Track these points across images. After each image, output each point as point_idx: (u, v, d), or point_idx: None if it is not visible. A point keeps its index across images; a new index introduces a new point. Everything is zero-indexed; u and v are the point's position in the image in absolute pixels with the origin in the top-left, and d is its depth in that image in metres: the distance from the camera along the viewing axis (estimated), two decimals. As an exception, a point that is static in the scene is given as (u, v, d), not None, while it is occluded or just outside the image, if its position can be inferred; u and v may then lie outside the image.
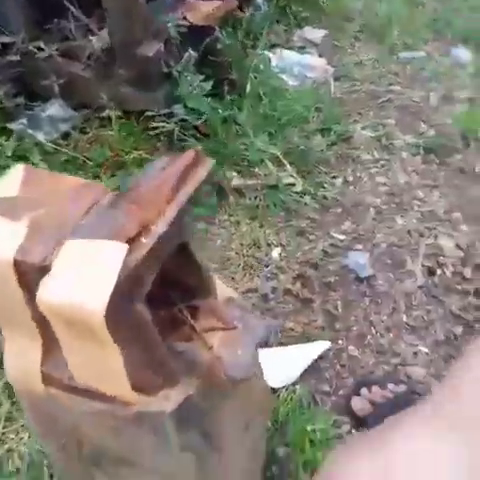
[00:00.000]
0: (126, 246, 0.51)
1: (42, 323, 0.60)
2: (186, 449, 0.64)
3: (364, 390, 1.23)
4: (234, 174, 1.72)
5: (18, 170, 0.64)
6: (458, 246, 1.56)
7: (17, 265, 0.54)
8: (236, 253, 1.54)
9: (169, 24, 1.69)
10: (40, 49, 1.65)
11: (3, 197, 0.60)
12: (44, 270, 0.53)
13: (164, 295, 0.70)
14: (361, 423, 1.20)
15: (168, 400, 0.62)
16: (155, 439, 0.65)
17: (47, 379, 0.63)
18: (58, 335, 0.56)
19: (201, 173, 0.62)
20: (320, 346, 1.32)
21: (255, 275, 1.49)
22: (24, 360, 0.63)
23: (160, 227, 0.55)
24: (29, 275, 0.55)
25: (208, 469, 0.74)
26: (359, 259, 1.51)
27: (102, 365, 0.56)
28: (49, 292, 0.51)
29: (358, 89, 2.24)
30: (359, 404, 1.21)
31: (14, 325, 0.61)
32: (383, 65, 2.40)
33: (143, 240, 0.54)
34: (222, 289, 0.75)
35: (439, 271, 1.51)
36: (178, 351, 0.65)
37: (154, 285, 0.57)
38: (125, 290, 0.51)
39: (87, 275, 0.51)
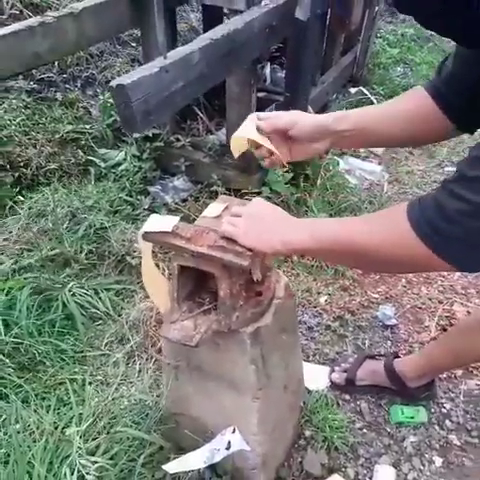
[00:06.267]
0: None
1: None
2: (252, 362, 1.00)
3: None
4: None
5: (221, 202, 1.02)
6: (469, 313, 1.82)
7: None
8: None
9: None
10: (177, 140, 2.21)
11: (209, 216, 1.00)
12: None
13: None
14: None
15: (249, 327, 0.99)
16: (237, 351, 1.01)
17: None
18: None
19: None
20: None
21: (305, 312, 1.83)
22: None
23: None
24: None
25: (261, 383, 1.06)
26: (386, 311, 1.82)
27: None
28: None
29: (406, 191, 2.62)
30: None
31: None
32: (430, 176, 2.77)
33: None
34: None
35: (449, 328, 1.77)
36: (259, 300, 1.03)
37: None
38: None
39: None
